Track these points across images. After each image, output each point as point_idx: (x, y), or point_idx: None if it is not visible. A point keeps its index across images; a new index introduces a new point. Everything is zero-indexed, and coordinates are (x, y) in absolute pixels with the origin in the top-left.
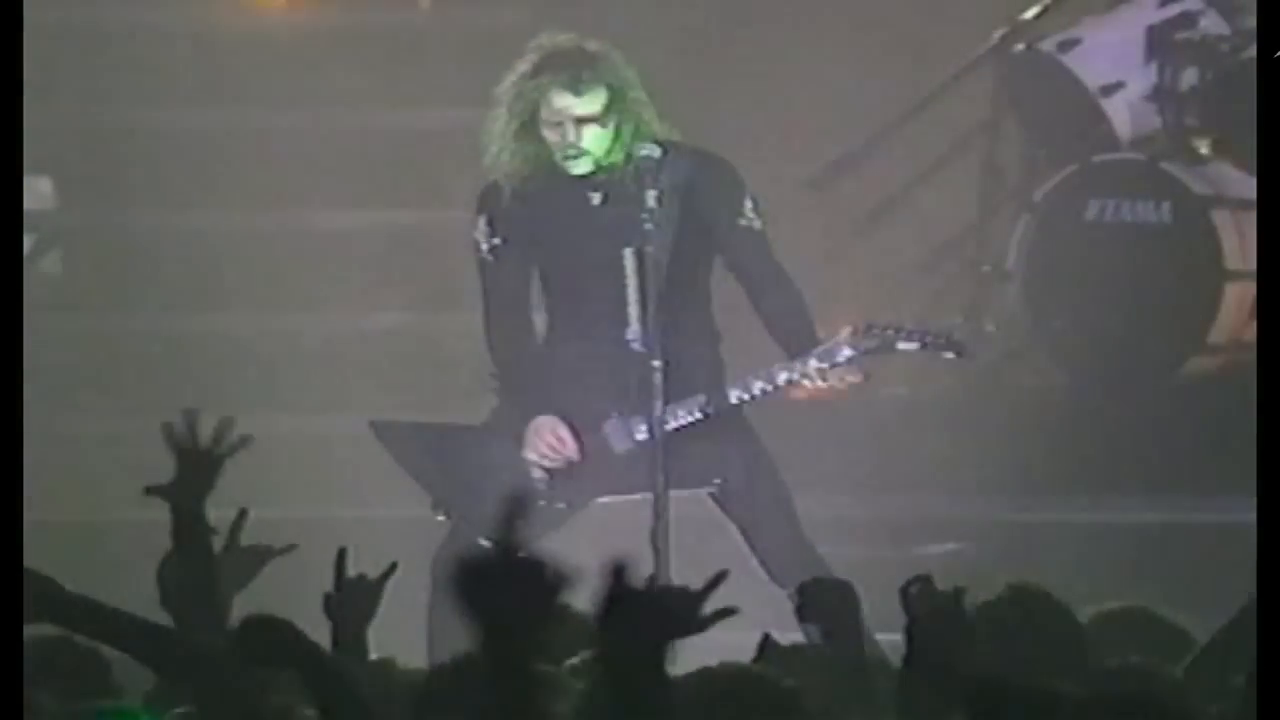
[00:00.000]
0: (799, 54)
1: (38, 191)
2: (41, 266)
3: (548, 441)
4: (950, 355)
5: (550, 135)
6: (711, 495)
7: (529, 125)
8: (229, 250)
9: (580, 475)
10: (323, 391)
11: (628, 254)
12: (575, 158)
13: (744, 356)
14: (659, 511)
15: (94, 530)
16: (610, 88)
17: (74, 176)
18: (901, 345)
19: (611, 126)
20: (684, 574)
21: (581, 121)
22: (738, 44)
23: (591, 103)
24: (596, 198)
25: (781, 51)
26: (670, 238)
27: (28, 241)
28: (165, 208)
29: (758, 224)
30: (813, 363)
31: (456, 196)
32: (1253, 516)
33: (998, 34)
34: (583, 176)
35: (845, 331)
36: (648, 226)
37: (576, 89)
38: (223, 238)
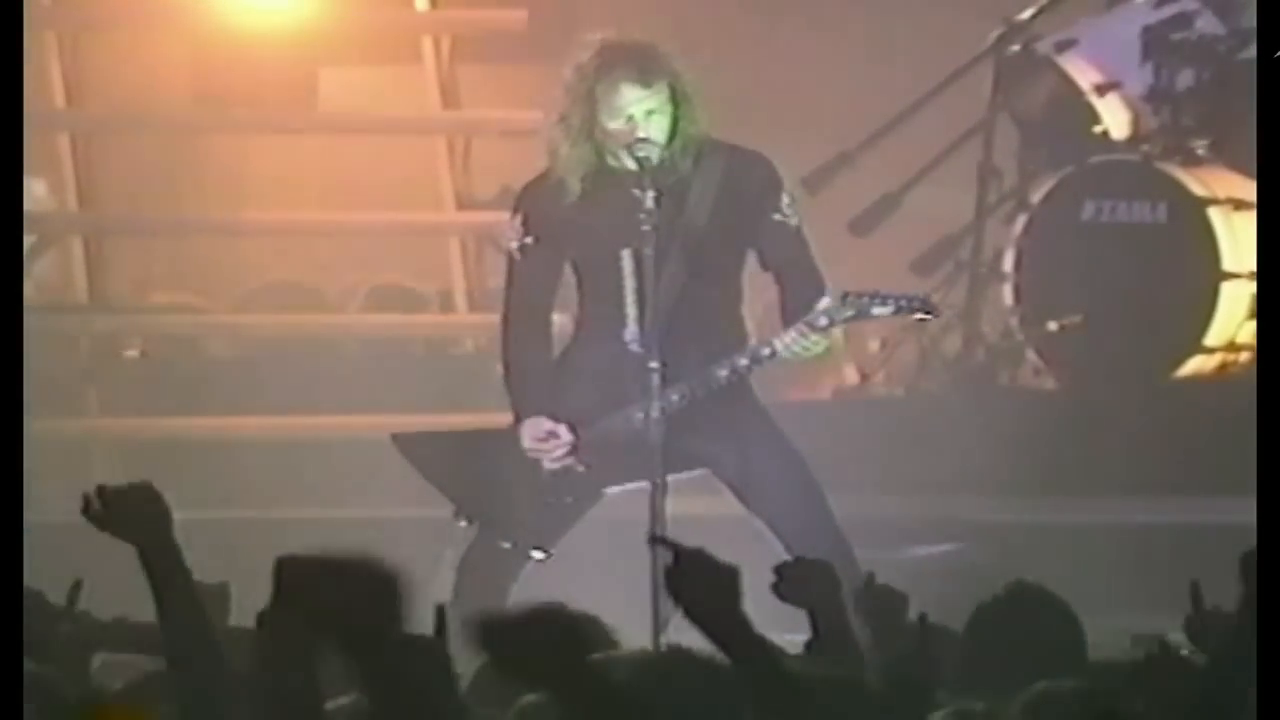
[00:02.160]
0: (795, 54)
1: (34, 193)
2: (41, 265)
3: (536, 439)
4: (923, 317)
5: (617, 129)
6: (734, 492)
7: (588, 124)
8: (227, 246)
9: (587, 468)
10: (320, 392)
11: (625, 254)
12: (644, 152)
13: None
14: (656, 511)
15: (95, 530)
16: (670, 78)
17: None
18: (876, 310)
19: (669, 120)
20: None
21: (649, 114)
22: (733, 45)
23: (658, 94)
24: (649, 197)
25: (777, 52)
26: (702, 235)
27: (27, 241)
28: (145, 204)
29: (793, 220)
30: (792, 333)
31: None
32: (1251, 517)
33: (994, 35)
34: (632, 174)
35: (824, 301)
36: (645, 228)
37: (645, 81)
38: (221, 236)
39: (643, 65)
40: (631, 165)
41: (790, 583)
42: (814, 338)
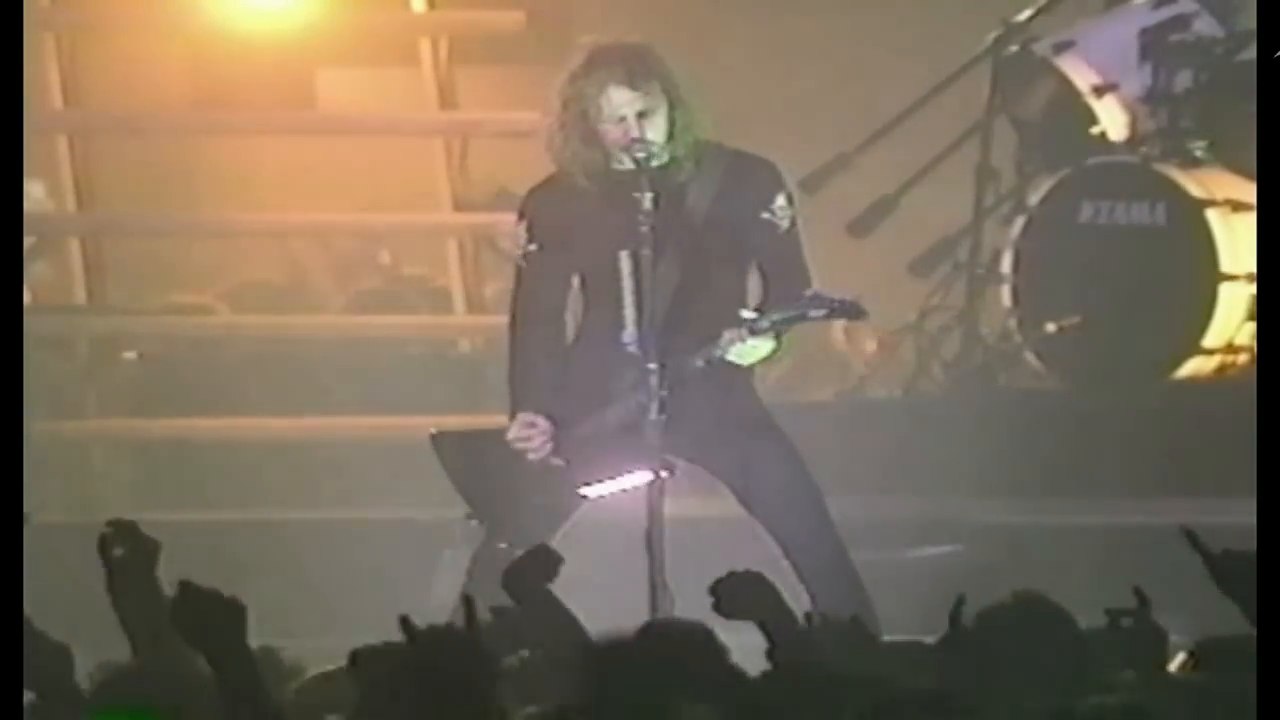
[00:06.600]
0: (793, 56)
1: (32, 194)
2: (40, 267)
3: (519, 431)
4: (849, 320)
5: (612, 132)
6: (736, 495)
7: (583, 127)
8: (226, 246)
9: (588, 463)
10: (321, 393)
11: (623, 255)
12: (643, 153)
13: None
14: (654, 513)
15: (94, 530)
16: (662, 80)
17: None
18: (811, 313)
19: (665, 120)
20: (678, 576)
21: (642, 115)
22: (731, 46)
23: (648, 96)
24: (648, 198)
25: (776, 54)
26: (699, 239)
27: (26, 243)
28: (147, 205)
29: (783, 222)
30: (733, 335)
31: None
32: (1250, 519)
33: (991, 36)
34: (634, 177)
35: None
36: (644, 229)
37: (633, 83)
38: (219, 238)
39: (631, 67)
40: (631, 165)
41: (726, 598)
42: (755, 341)
